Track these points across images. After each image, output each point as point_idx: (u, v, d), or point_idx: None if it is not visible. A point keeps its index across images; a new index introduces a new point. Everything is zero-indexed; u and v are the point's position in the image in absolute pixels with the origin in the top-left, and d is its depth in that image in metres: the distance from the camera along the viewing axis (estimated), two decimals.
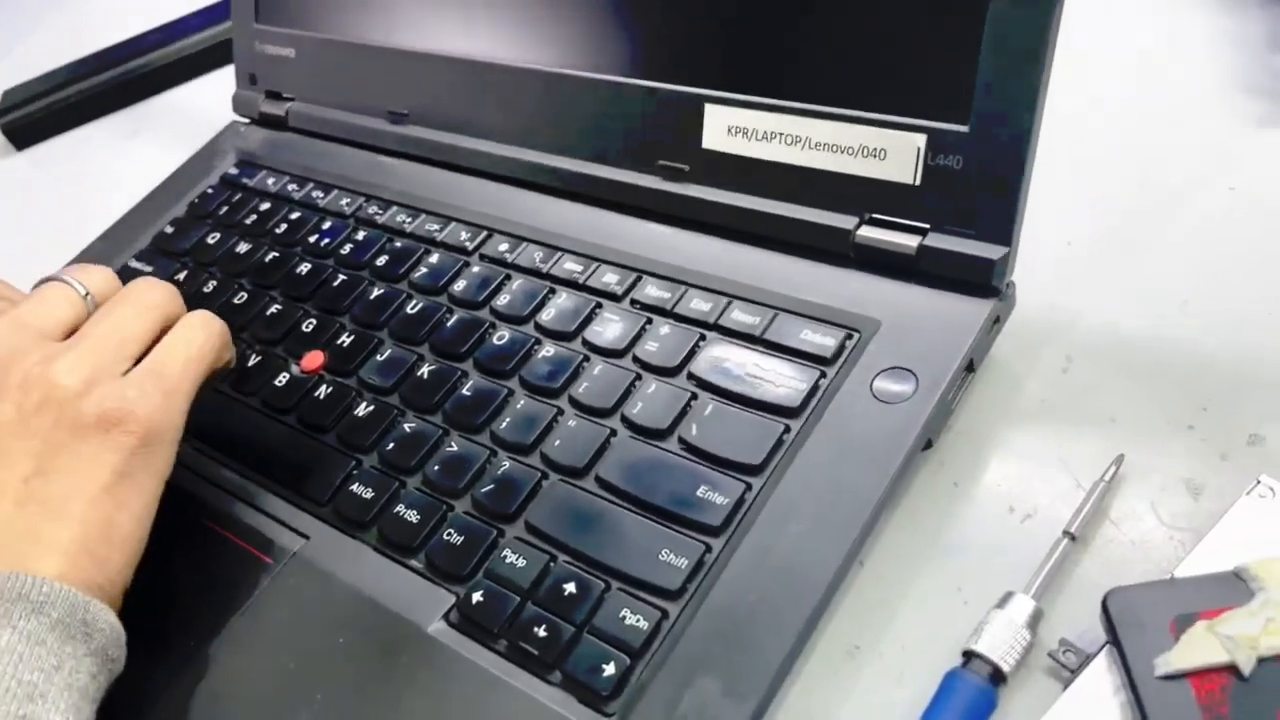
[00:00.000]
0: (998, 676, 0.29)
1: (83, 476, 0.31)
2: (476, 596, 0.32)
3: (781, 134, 0.38)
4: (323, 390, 0.40)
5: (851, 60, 0.36)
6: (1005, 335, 0.36)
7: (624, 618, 0.30)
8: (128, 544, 0.32)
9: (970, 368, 0.34)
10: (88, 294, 0.37)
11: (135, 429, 0.32)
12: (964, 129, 0.34)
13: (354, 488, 0.37)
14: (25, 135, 0.72)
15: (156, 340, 0.36)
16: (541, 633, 0.31)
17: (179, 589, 0.36)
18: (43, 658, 0.28)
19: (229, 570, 0.36)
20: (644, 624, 0.30)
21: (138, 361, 0.35)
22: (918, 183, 0.35)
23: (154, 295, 0.37)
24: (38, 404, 0.32)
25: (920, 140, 0.35)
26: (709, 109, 0.39)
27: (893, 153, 0.35)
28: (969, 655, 0.29)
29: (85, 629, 0.29)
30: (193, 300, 0.47)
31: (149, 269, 0.50)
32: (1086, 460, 0.33)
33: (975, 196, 0.34)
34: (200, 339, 0.36)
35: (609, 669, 0.29)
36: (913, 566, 0.33)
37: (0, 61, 0.86)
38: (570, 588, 0.32)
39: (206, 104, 0.70)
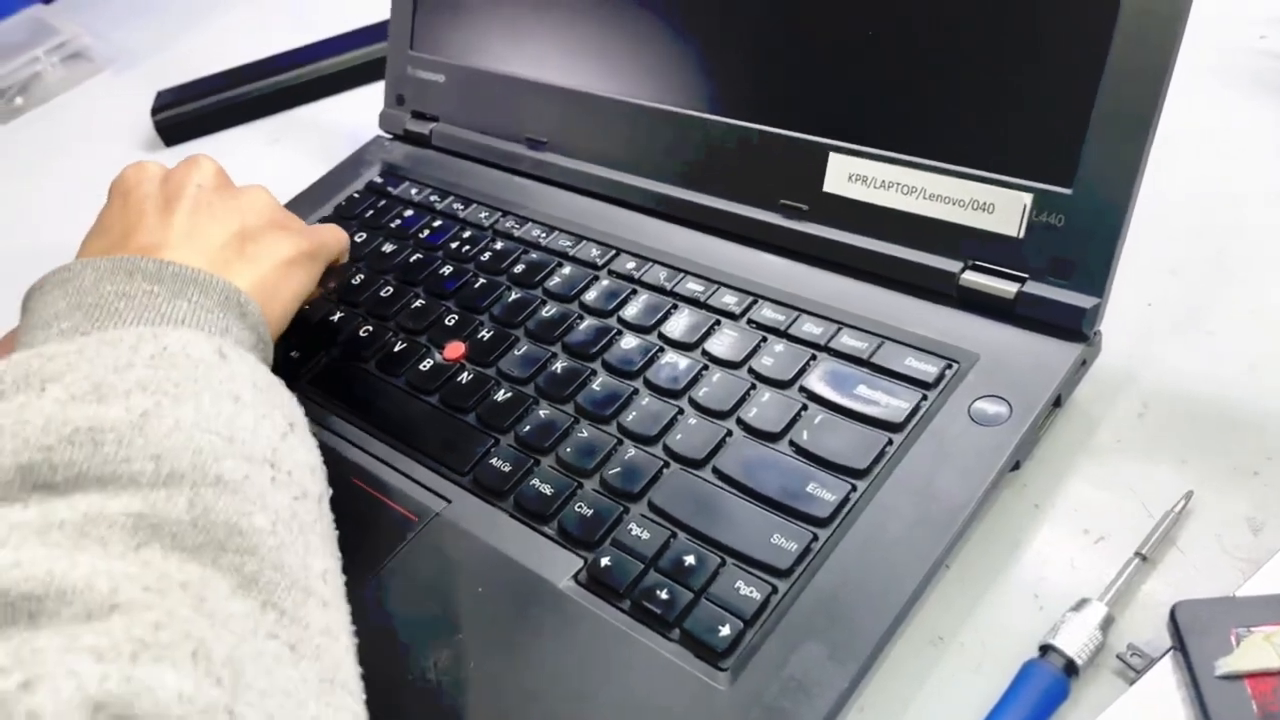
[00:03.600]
0: (1071, 669, 0.32)
1: (269, 248, 0.43)
2: (604, 561, 0.36)
3: (898, 183, 0.42)
4: (464, 376, 0.45)
5: (969, 122, 0.40)
6: (1088, 380, 0.40)
7: (738, 588, 0.34)
8: (282, 307, 0.42)
9: (1058, 402, 0.38)
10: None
11: (309, 242, 0.45)
12: (1068, 191, 0.38)
13: (493, 461, 0.41)
14: (175, 133, 0.79)
15: None
16: (663, 595, 0.35)
17: None
18: (216, 319, 0.37)
19: (378, 524, 0.41)
20: (756, 595, 0.34)
21: None
22: (1021, 236, 0.39)
23: (277, 206, 0.48)
24: (247, 203, 0.44)
25: (1027, 199, 0.39)
26: (833, 156, 0.44)
27: (1000, 208, 0.40)
28: (1045, 649, 0.33)
29: (240, 308, 0.38)
30: (344, 291, 0.52)
31: None
32: (1157, 494, 0.37)
33: (1073, 251, 0.38)
34: (341, 234, 0.50)
35: (725, 630, 0.33)
36: (994, 573, 0.37)
37: (152, 59, 0.93)
38: (690, 560, 0.36)
39: (345, 119, 0.76)
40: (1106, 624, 0.33)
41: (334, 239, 0.48)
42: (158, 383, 0.31)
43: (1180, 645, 0.31)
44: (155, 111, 0.79)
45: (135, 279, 0.36)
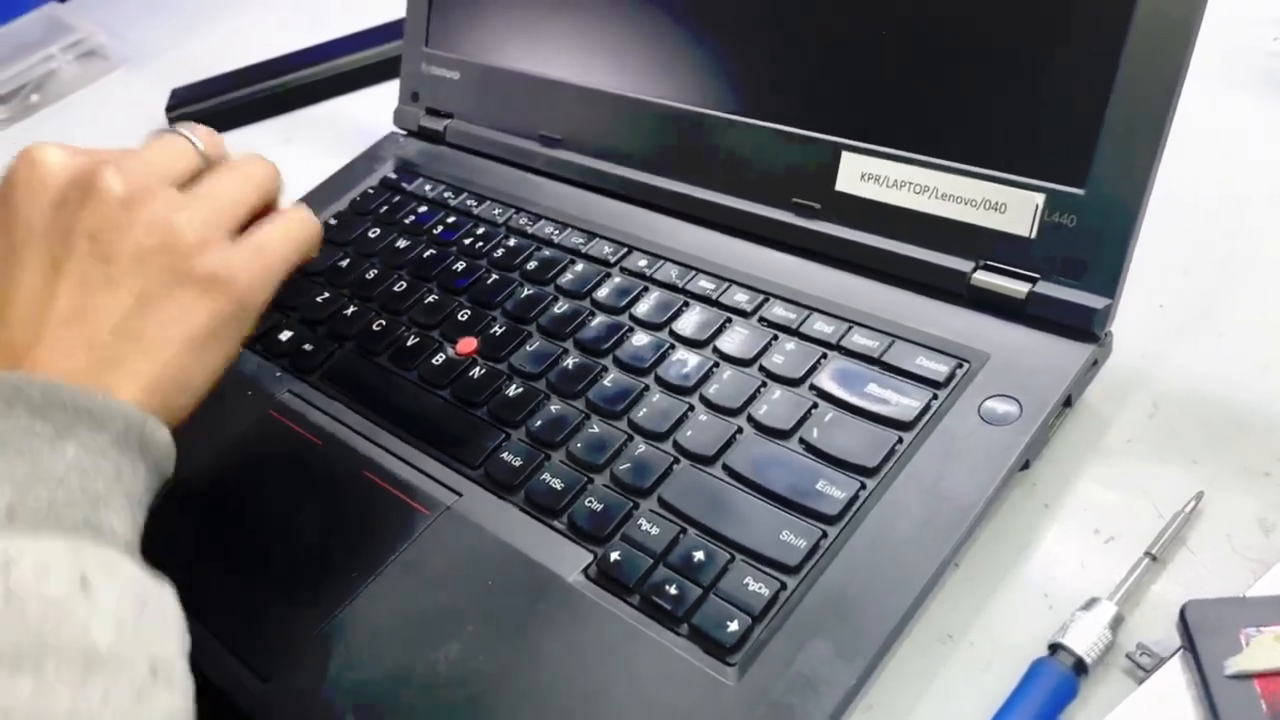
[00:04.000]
0: (1080, 668, 0.32)
1: (176, 323, 0.34)
2: (614, 555, 0.37)
3: (911, 183, 0.42)
4: (476, 371, 0.45)
5: (981, 122, 0.41)
6: (1099, 380, 0.40)
7: (747, 584, 0.34)
8: (195, 395, 0.35)
9: (1068, 402, 0.38)
10: (202, 150, 0.39)
11: (233, 294, 0.35)
12: (1080, 192, 0.38)
13: (504, 455, 0.41)
14: None
15: (255, 215, 0.38)
16: (672, 590, 0.35)
17: (341, 529, 0.41)
18: (104, 469, 0.31)
19: (389, 518, 0.41)
20: (765, 591, 0.34)
21: (241, 229, 0.37)
22: (1033, 236, 0.39)
23: (263, 170, 0.39)
24: (155, 248, 0.34)
25: (1039, 199, 0.39)
26: (845, 155, 0.44)
27: (1012, 208, 0.40)
28: (1054, 647, 0.33)
29: (141, 442, 0.32)
30: (357, 286, 0.53)
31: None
32: (1168, 495, 0.37)
33: (1085, 252, 0.38)
34: (300, 230, 0.39)
35: (733, 625, 0.33)
36: (1003, 572, 0.37)
37: (166, 57, 0.94)
38: (699, 555, 0.36)
39: (358, 117, 0.77)
40: (1116, 623, 0.33)
41: (284, 253, 0.38)
42: None
43: (1190, 645, 0.31)
44: (170, 109, 0.80)
45: (15, 410, 0.30)
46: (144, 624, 0.28)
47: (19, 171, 0.36)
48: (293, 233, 0.39)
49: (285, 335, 0.51)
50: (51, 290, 0.33)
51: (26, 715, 0.24)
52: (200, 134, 0.39)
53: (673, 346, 0.44)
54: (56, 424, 0.30)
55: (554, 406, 0.43)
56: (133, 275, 0.34)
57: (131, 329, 0.34)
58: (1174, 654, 0.32)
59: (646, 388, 0.42)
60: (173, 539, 0.42)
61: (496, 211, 0.55)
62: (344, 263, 0.55)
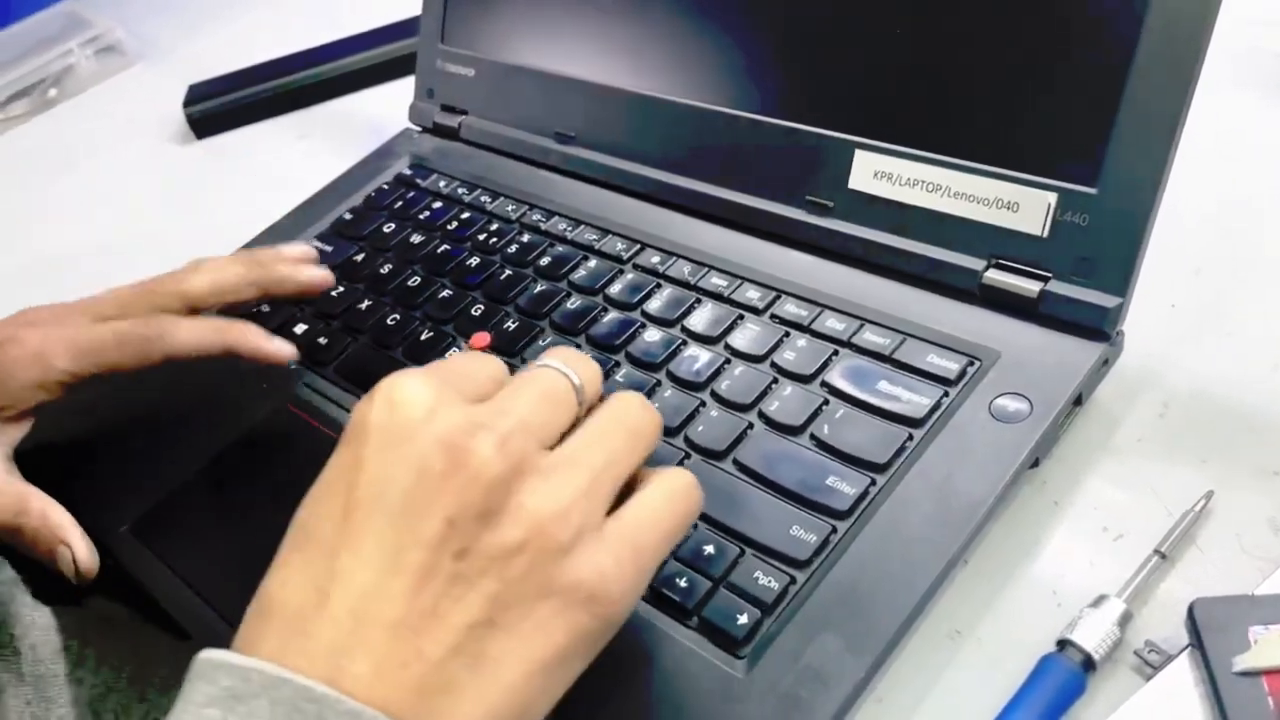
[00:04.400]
0: (1088, 664, 0.33)
1: (528, 644, 0.27)
2: None
3: (924, 181, 0.42)
4: None
5: (995, 121, 0.41)
6: (1109, 380, 0.40)
7: (757, 578, 0.35)
8: None
9: (1079, 401, 0.39)
10: (580, 388, 0.32)
11: (601, 611, 0.27)
12: (1093, 191, 0.38)
13: None
14: (206, 126, 0.80)
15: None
16: (682, 583, 0.35)
17: None
18: None
19: None
20: (775, 585, 0.34)
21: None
22: (1045, 235, 0.40)
23: (647, 423, 0.32)
24: (519, 543, 0.27)
25: (1052, 198, 0.39)
26: (859, 154, 0.44)
27: (1025, 207, 0.40)
28: (1063, 643, 0.33)
29: None
30: (372, 280, 0.53)
31: (329, 248, 0.57)
32: (1178, 494, 0.37)
33: (1096, 251, 0.38)
34: (681, 509, 0.30)
35: (742, 618, 0.34)
36: (1012, 569, 0.37)
37: (183, 53, 0.94)
38: (709, 549, 0.36)
39: (372, 113, 0.77)
40: (1124, 620, 0.33)
41: (664, 543, 0.30)
42: None
43: (1198, 642, 0.31)
44: (187, 104, 0.80)
45: None
46: None
47: (375, 410, 0.29)
48: (674, 513, 0.30)
49: (300, 329, 0.51)
50: (386, 581, 0.26)
51: None
52: (581, 370, 0.32)
53: (685, 343, 0.44)
54: None
55: None
56: (489, 578, 0.27)
57: (473, 651, 0.26)
58: (1182, 651, 0.32)
59: (658, 383, 0.43)
60: (191, 532, 0.43)
61: (510, 208, 0.55)
62: (359, 257, 0.55)
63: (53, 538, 0.40)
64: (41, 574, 0.42)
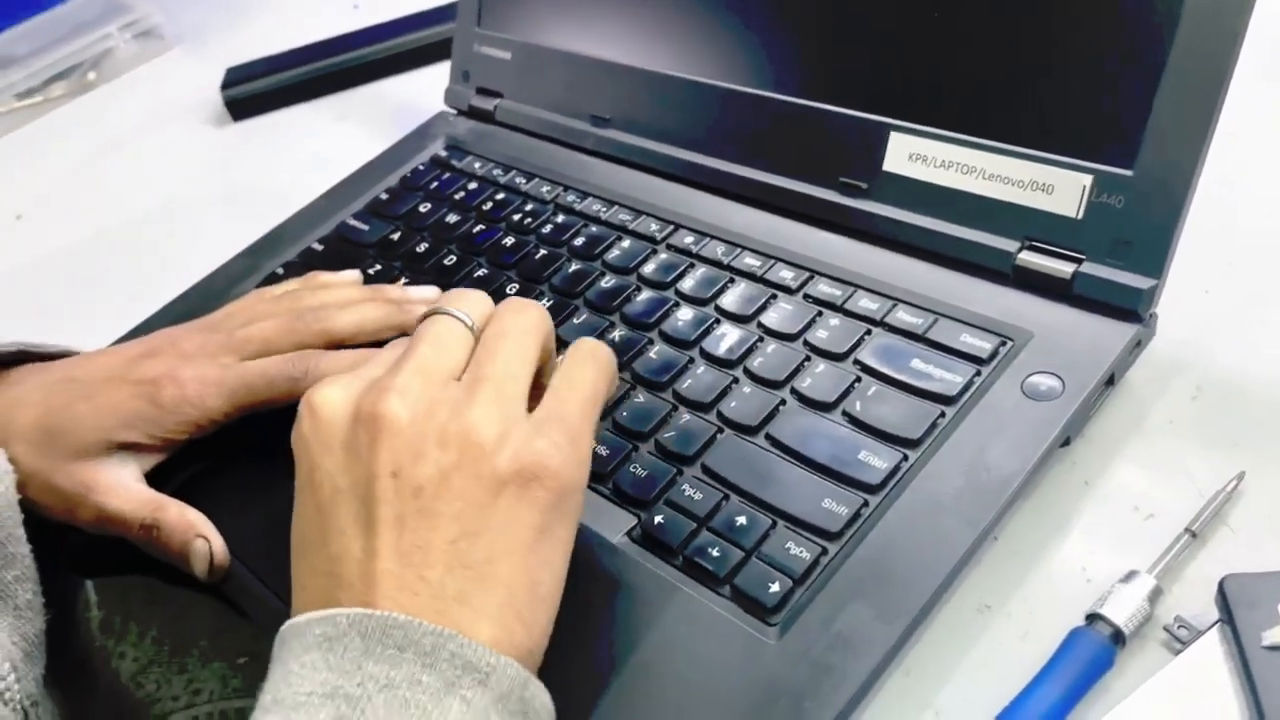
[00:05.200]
0: (1118, 638, 0.33)
1: (505, 536, 0.31)
2: (658, 519, 0.37)
3: (958, 163, 0.43)
4: None
5: (1031, 103, 0.41)
6: (1141, 362, 0.41)
7: (789, 548, 0.35)
8: (550, 601, 0.32)
9: (1110, 381, 0.39)
10: (472, 325, 0.36)
11: (551, 483, 0.31)
12: (1129, 173, 0.38)
13: None
14: (243, 109, 0.81)
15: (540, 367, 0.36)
16: (715, 553, 0.36)
17: None
18: None
19: None
20: (806, 555, 0.35)
21: (532, 393, 0.35)
22: (1080, 217, 0.40)
23: (530, 320, 0.36)
24: (455, 462, 0.31)
25: (1087, 180, 0.39)
26: (894, 136, 0.44)
27: (1060, 188, 0.40)
28: (1092, 617, 0.34)
29: (523, 706, 0.29)
30: (408, 259, 0.54)
31: (365, 227, 0.57)
32: (1209, 475, 0.37)
33: (1131, 233, 0.39)
34: (591, 375, 0.35)
35: (774, 587, 0.34)
36: (1042, 545, 0.37)
37: (220, 38, 0.95)
38: (741, 520, 0.37)
39: (408, 97, 0.78)
40: (1155, 596, 0.34)
41: (590, 398, 0.35)
42: None
43: (1228, 617, 0.32)
44: (225, 87, 0.81)
45: (405, 658, 0.28)
46: None
47: (304, 425, 0.34)
48: (586, 380, 0.35)
49: None
50: (372, 542, 0.30)
51: None
52: (467, 306, 0.37)
53: (717, 321, 0.44)
54: (443, 676, 0.28)
55: None
56: (446, 500, 0.31)
57: (463, 559, 0.30)
58: (1211, 627, 0.32)
59: (691, 360, 0.43)
60: (227, 502, 0.44)
61: (545, 189, 0.56)
62: (395, 236, 0.56)
63: (190, 532, 0.41)
64: (84, 545, 0.43)
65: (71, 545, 0.43)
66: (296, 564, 0.33)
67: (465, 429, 0.32)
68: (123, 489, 0.42)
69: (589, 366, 0.36)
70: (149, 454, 0.43)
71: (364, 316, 0.46)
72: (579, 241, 0.51)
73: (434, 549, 0.30)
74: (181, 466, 0.44)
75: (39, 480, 0.41)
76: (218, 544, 0.41)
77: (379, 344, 0.45)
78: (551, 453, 0.32)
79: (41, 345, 0.46)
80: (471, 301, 0.37)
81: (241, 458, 0.44)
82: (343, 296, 0.47)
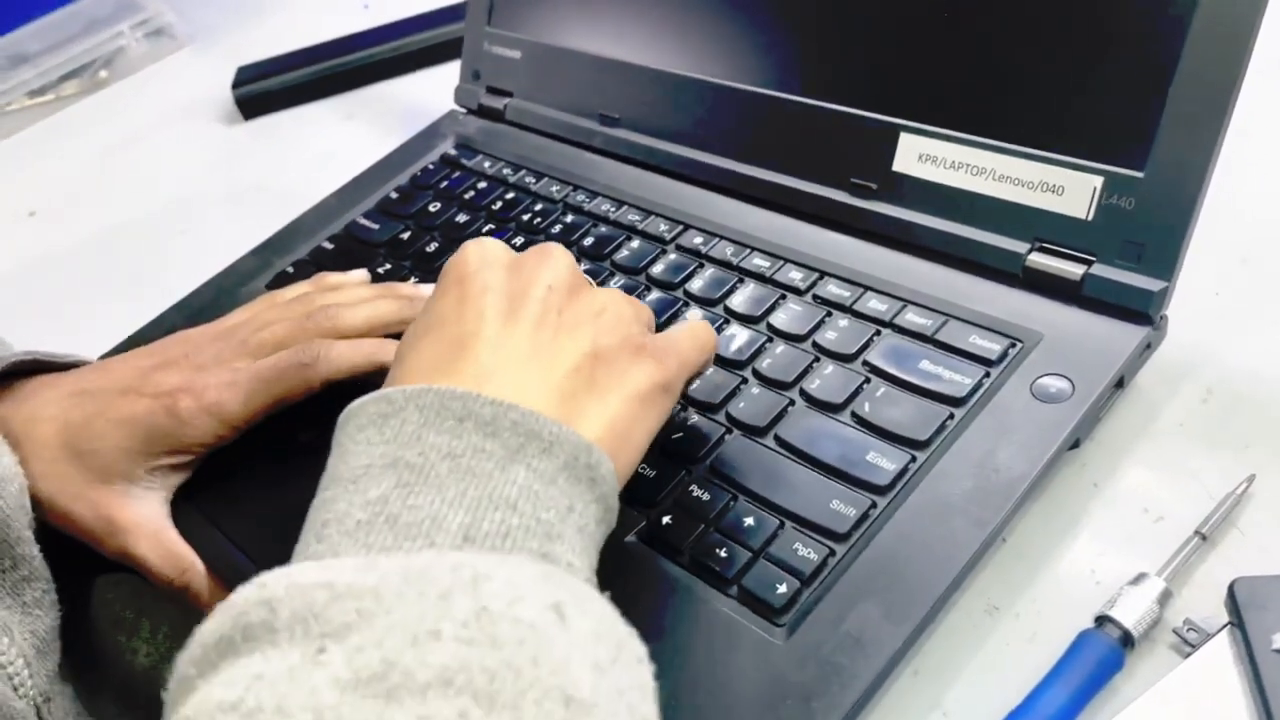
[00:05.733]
0: (1126, 641, 0.33)
1: (625, 379, 0.34)
2: (665, 519, 0.37)
3: (968, 164, 0.43)
4: None
5: (1040, 104, 0.41)
6: (1152, 364, 0.41)
7: (796, 550, 0.35)
8: (636, 452, 0.34)
9: (1120, 384, 0.39)
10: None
11: (667, 368, 0.35)
12: (1139, 175, 0.38)
13: None
14: (253, 107, 0.81)
15: None
16: (722, 553, 0.36)
17: None
18: (555, 498, 0.29)
19: None
20: (814, 556, 0.35)
21: None
22: (1090, 218, 0.40)
23: (643, 307, 0.39)
24: (603, 308, 0.35)
25: (1098, 181, 0.39)
26: (904, 137, 0.44)
27: (1070, 190, 0.40)
28: (1101, 619, 0.34)
29: (590, 473, 0.30)
30: (419, 258, 0.54)
31: (375, 226, 0.58)
32: (1219, 477, 0.37)
33: (1142, 235, 0.38)
34: (704, 338, 0.39)
35: (782, 588, 0.34)
36: (1051, 547, 0.37)
37: (232, 37, 0.96)
38: (749, 521, 0.37)
39: (418, 96, 0.78)
40: (1164, 598, 0.34)
41: (695, 353, 0.38)
42: (468, 675, 0.22)
43: (1238, 620, 0.32)
44: (236, 85, 0.82)
45: (465, 429, 0.29)
46: (621, 672, 0.25)
47: (469, 248, 0.37)
48: (699, 337, 0.39)
49: None
50: (510, 330, 0.33)
51: None
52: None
53: (726, 322, 0.44)
54: (506, 445, 0.29)
55: None
56: (585, 329, 0.34)
57: (585, 373, 0.33)
58: (1220, 629, 0.32)
59: None
60: (237, 494, 0.44)
61: (554, 188, 0.56)
62: (405, 235, 0.56)
63: (217, 598, 0.41)
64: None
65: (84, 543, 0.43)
66: (414, 341, 0.34)
67: (611, 299, 0.36)
68: (149, 535, 0.41)
69: (707, 333, 0.39)
70: (173, 474, 0.43)
71: (376, 312, 0.46)
72: (588, 241, 0.51)
73: (563, 354, 0.33)
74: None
75: (60, 509, 0.41)
76: None
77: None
78: (669, 355, 0.36)
79: (53, 355, 0.46)
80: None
81: (253, 455, 0.44)
82: (354, 296, 0.47)
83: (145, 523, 0.41)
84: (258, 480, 0.44)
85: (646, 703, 0.25)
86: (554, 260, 0.36)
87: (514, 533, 0.28)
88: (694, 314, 0.44)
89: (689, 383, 0.39)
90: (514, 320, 0.34)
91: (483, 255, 0.36)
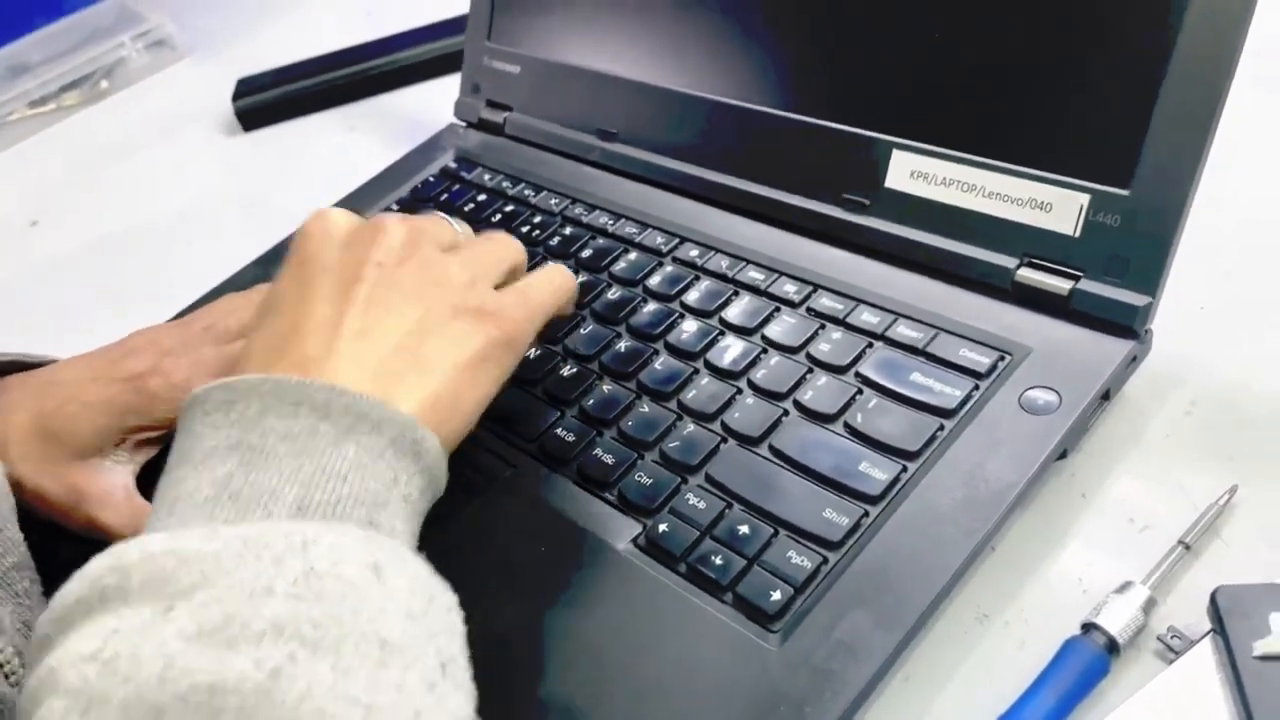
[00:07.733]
0: (1112, 648, 0.34)
1: (452, 347, 0.36)
2: (662, 527, 0.38)
3: (959, 181, 0.44)
4: (532, 353, 0.47)
5: (1030, 123, 0.42)
6: (1138, 377, 0.41)
7: (790, 557, 0.36)
8: (465, 417, 0.36)
9: (1106, 396, 0.40)
10: (460, 233, 0.43)
11: (504, 325, 0.37)
12: (1125, 193, 0.39)
13: (558, 431, 0.43)
14: (253, 119, 0.82)
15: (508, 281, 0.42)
16: (718, 561, 0.37)
17: None
18: (382, 471, 0.32)
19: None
20: (807, 564, 0.36)
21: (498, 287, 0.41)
22: (1077, 235, 0.41)
23: (510, 245, 0.43)
24: (432, 281, 0.37)
25: (1084, 199, 0.40)
26: (896, 154, 0.45)
27: (1058, 207, 0.41)
28: (1087, 627, 0.34)
29: (414, 446, 0.33)
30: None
31: None
32: (1203, 488, 0.38)
33: (1127, 251, 0.39)
34: (560, 280, 0.42)
35: (776, 595, 0.35)
36: (1039, 556, 0.38)
37: (232, 48, 0.96)
38: (744, 529, 0.37)
39: (418, 109, 0.79)
40: (1149, 606, 0.34)
41: (549, 296, 0.41)
42: (296, 624, 0.26)
43: (1220, 628, 0.32)
44: (236, 97, 0.82)
45: (301, 413, 0.32)
46: (432, 619, 0.29)
47: (311, 224, 0.39)
48: (554, 282, 0.42)
49: None
50: (341, 312, 0.35)
51: (327, 698, 0.25)
52: (455, 224, 0.44)
53: (721, 333, 0.45)
54: (338, 425, 0.32)
55: (606, 387, 0.44)
56: (413, 303, 0.37)
57: (411, 348, 0.35)
58: (1204, 636, 0.33)
59: (695, 371, 0.44)
60: None
61: (553, 201, 0.57)
62: None
63: None
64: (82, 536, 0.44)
65: (70, 535, 0.44)
66: (257, 322, 0.37)
67: (445, 264, 0.38)
68: (114, 501, 0.42)
69: (559, 276, 0.42)
70: (141, 450, 0.43)
71: None
72: (586, 254, 0.52)
73: (390, 332, 0.35)
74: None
75: (30, 486, 0.42)
76: None
77: None
78: (509, 308, 0.38)
79: (26, 355, 0.47)
80: (458, 222, 0.44)
81: None
82: None
83: (113, 490, 0.42)
84: None
85: (454, 644, 0.29)
86: (385, 234, 0.38)
87: (344, 502, 0.30)
88: (552, 265, 0.44)
89: (551, 326, 0.42)
90: (346, 301, 0.36)
91: (324, 231, 0.38)
